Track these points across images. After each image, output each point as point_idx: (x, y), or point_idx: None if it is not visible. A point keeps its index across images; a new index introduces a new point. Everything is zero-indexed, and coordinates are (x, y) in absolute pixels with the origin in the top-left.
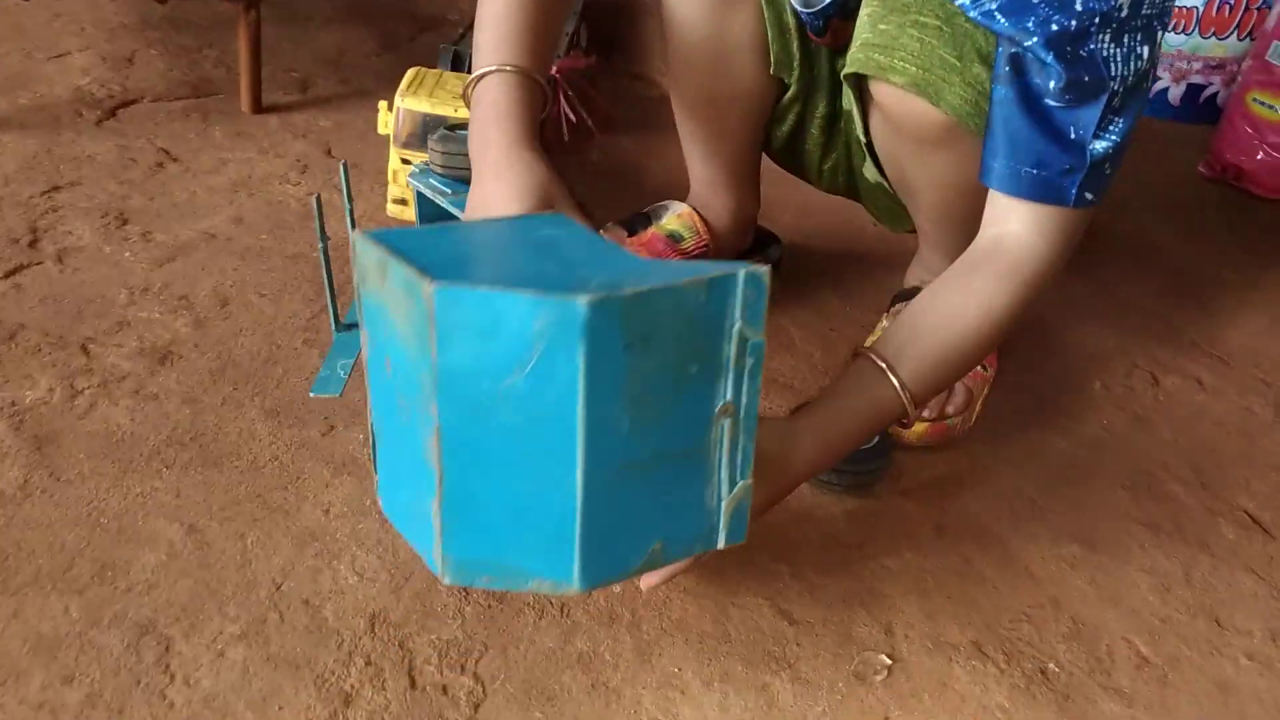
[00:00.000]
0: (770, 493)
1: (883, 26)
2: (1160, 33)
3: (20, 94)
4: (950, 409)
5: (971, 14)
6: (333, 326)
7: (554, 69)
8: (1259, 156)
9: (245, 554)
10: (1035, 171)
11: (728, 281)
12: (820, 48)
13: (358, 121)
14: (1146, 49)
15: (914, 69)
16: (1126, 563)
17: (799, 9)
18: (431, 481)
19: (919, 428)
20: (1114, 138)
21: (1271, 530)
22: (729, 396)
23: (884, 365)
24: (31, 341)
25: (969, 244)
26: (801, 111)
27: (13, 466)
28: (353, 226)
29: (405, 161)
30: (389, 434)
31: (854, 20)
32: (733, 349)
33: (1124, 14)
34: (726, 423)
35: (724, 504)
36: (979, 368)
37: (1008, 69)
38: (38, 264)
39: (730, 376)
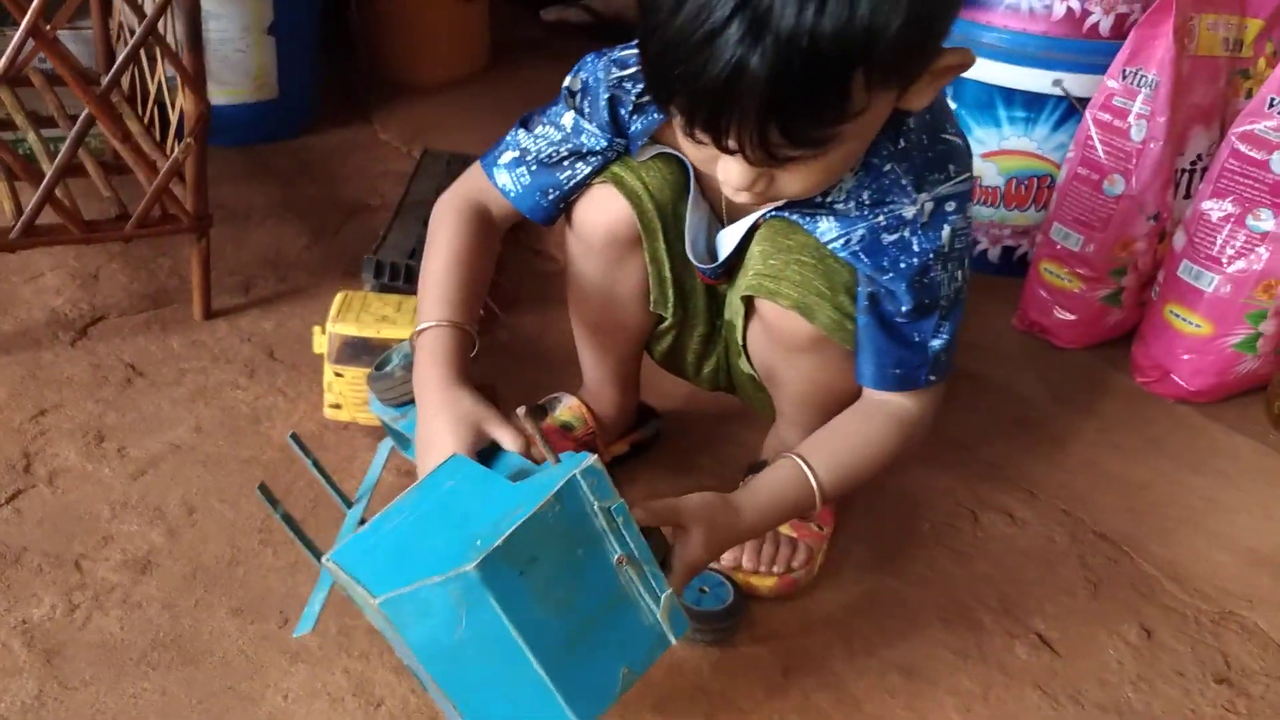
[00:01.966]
0: (721, 545)
1: (771, 262)
2: (967, 260)
3: (4, 319)
4: (795, 564)
5: (842, 254)
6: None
7: None
8: (1055, 314)
9: None
10: (898, 371)
11: (571, 486)
12: (694, 289)
13: (294, 321)
14: (960, 273)
15: (795, 294)
16: (936, 685)
17: (701, 267)
18: (457, 715)
19: (769, 581)
20: (945, 336)
21: (1057, 648)
22: (619, 550)
23: (811, 475)
24: (34, 563)
25: (821, 421)
26: (678, 334)
27: (29, 680)
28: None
29: (338, 374)
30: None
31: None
32: (602, 520)
33: (947, 250)
34: (628, 568)
35: (659, 615)
36: (815, 528)
37: (866, 303)
38: (33, 488)
39: (611, 537)
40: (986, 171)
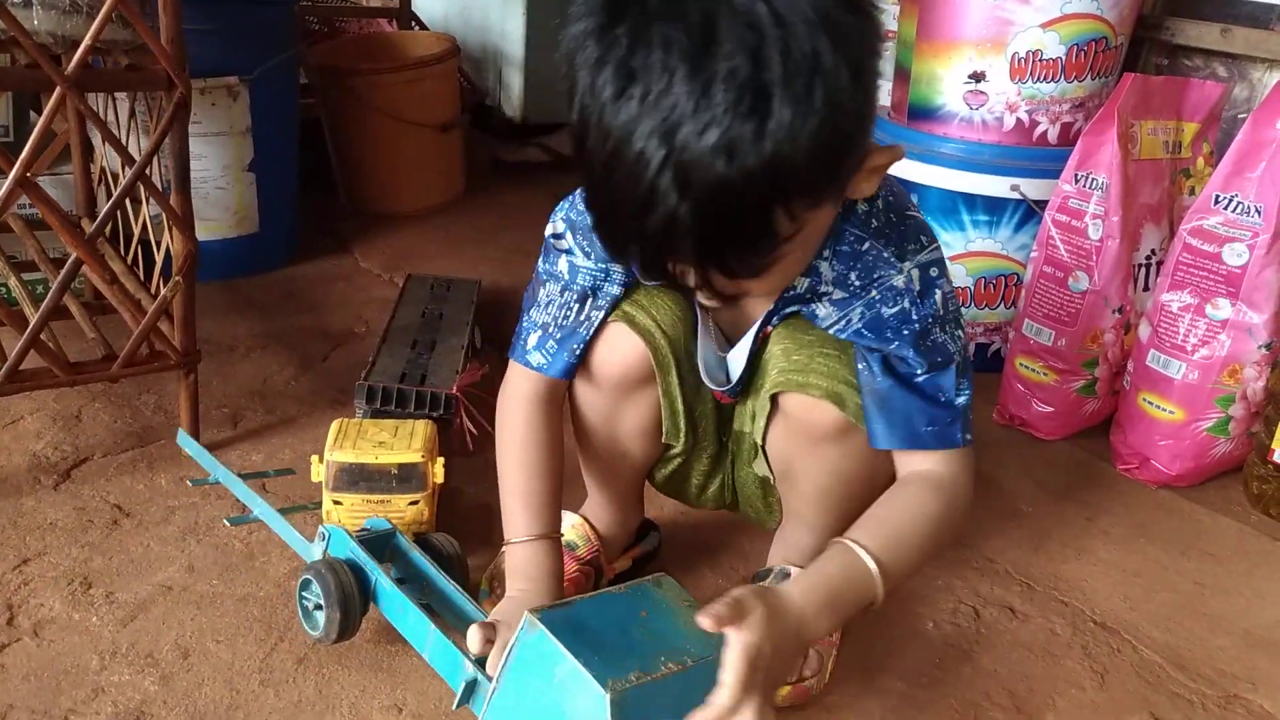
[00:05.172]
0: (791, 663)
1: (796, 357)
2: (962, 323)
3: None
4: (807, 672)
5: (844, 335)
6: None
7: (454, 387)
8: (1033, 407)
9: None
10: (932, 429)
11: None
12: (705, 414)
13: (285, 452)
14: (959, 333)
15: (825, 385)
16: None
17: (718, 389)
18: None
19: (783, 690)
20: (968, 391)
21: None
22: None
23: (874, 567)
24: None
25: (835, 519)
26: (684, 461)
27: None
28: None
29: (337, 502)
30: None
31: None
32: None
33: (943, 313)
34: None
35: None
36: (827, 636)
37: (881, 368)
38: (17, 641)
39: None
40: (955, 273)
